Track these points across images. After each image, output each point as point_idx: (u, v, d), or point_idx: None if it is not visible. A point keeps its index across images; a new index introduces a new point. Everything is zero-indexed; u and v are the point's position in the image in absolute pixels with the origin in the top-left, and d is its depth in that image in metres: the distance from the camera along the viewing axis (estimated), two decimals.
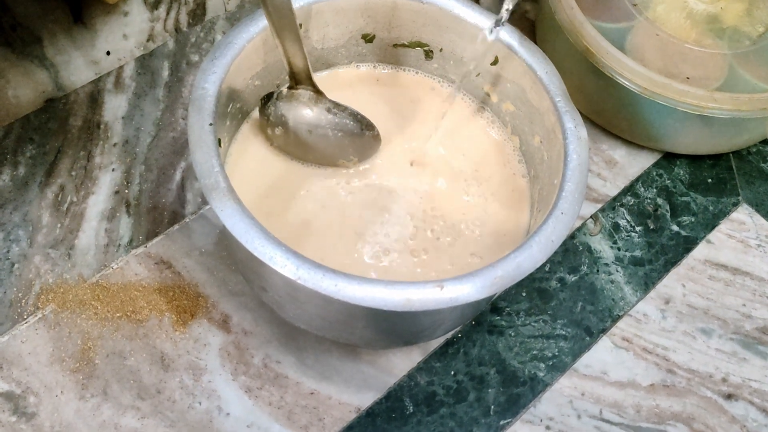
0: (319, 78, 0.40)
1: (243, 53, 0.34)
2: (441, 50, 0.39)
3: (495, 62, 0.38)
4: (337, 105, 0.37)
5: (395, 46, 0.40)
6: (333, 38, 0.39)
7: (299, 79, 0.36)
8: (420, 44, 0.39)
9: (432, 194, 0.37)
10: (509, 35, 0.37)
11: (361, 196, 0.37)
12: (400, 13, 0.38)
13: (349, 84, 0.40)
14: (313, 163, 0.38)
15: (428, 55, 0.40)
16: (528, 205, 0.37)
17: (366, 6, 0.37)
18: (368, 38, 0.39)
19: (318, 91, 0.37)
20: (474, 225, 0.36)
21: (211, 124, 0.31)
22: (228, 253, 0.41)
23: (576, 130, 0.34)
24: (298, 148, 0.37)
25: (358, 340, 0.36)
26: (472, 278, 0.29)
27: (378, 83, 0.41)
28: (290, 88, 0.37)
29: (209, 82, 0.32)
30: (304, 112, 0.37)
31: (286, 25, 0.33)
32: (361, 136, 0.37)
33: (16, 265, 0.40)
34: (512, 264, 0.30)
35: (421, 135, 0.39)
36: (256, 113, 0.38)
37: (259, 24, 0.35)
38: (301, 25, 0.37)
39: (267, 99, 0.37)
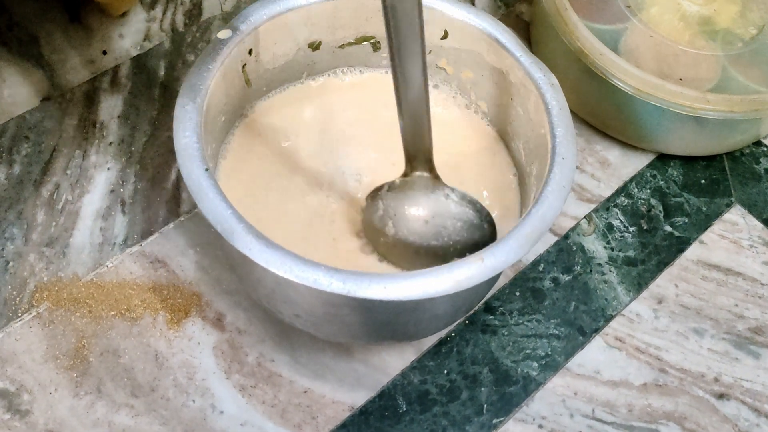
0: (273, 100, 0.39)
1: (210, 93, 0.33)
2: None
3: (445, 36, 0.38)
4: (453, 191, 0.34)
5: (342, 46, 0.40)
6: (282, 55, 0.38)
7: (416, 163, 0.33)
8: (366, 38, 0.39)
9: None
10: (455, 6, 0.37)
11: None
12: (341, 13, 0.38)
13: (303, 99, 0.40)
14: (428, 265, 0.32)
15: (375, 46, 0.40)
16: (508, 161, 0.38)
17: (308, 15, 0.37)
18: (314, 46, 0.39)
19: (436, 176, 0.34)
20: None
21: (206, 169, 0.31)
22: (230, 266, 0.41)
23: (546, 78, 0.35)
24: (406, 246, 0.34)
25: (367, 338, 0.36)
26: (505, 243, 0.30)
27: (326, 93, 0.41)
28: (404, 175, 0.34)
29: (189, 129, 0.32)
30: (421, 200, 0.34)
31: (417, 100, 0.30)
32: (479, 228, 0.34)
33: (10, 263, 0.40)
34: (536, 218, 0.31)
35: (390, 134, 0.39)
36: (228, 153, 0.37)
37: (217, 60, 0.34)
38: (251, 50, 0.36)
39: (376, 193, 0.34)
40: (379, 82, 0.41)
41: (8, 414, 0.36)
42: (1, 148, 0.44)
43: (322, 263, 0.29)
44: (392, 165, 0.36)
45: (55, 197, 0.43)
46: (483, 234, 0.34)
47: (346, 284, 0.29)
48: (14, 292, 0.40)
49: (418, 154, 0.33)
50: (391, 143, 0.36)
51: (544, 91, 0.35)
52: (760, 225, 0.46)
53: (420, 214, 0.34)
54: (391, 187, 0.34)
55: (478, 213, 0.34)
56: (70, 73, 0.47)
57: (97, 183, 0.43)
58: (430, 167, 0.33)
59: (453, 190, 0.34)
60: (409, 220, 0.34)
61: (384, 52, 0.40)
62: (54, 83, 0.47)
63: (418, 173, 0.34)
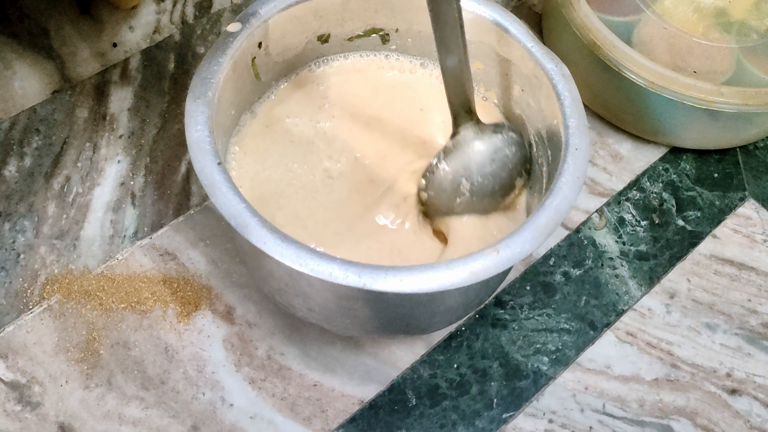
0: (280, 91, 0.39)
1: (220, 87, 0.33)
2: (397, 30, 0.39)
3: None
4: (496, 125, 0.37)
5: (351, 39, 0.39)
6: (291, 48, 0.38)
7: (461, 119, 0.36)
8: (375, 30, 0.39)
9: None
10: None
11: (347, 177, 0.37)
12: (351, 5, 0.38)
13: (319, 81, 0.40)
14: (501, 204, 0.37)
15: (384, 39, 0.40)
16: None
17: (317, 7, 0.37)
18: (323, 38, 0.39)
19: (478, 120, 0.36)
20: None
21: (219, 163, 0.31)
22: (241, 259, 0.41)
23: (558, 69, 0.35)
24: (483, 192, 0.36)
25: (381, 332, 0.36)
26: (520, 235, 0.30)
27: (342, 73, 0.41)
28: (453, 136, 0.36)
29: (201, 123, 0.31)
30: (479, 148, 0.36)
31: (458, 62, 0.33)
32: (522, 144, 0.37)
33: (21, 256, 0.40)
34: (550, 209, 0.31)
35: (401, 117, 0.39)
36: (238, 145, 0.37)
37: (227, 53, 0.34)
38: (261, 43, 0.36)
39: (434, 166, 0.36)
40: (377, 64, 0.41)
41: (19, 405, 0.37)
42: (12, 140, 0.44)
43: (337, 256, 0.29)
44: (401, 149, 0.38)
45: (65, 190, 0.43)
46: (525, 147, 0.37)
47: (362, 277, 0.28)
48: (25, 285, 0.40)
49: (463, 108, 0.35)
50: (395, 125, 0.38)
51: (555, 82, 0.34)
52: None
53: (485, 157, 0.36)
54: (446, 151, 0.36)
55: (515, 132, 0.37)
56: (80, 65, 0.47)
57: (108, 176, 0.43)
58: (472, 115, 0.36)
59: (495, 124, 0.37)
60: (480, 167, 0.36)
61: (393, 44, 0.40)
62: (64, 76, 0.47)
63: (463, 127, 0.36)
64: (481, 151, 0.36)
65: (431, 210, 0.37)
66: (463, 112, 0.35)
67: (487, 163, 0.36)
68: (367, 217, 0.36)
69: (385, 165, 0.38)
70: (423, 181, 0.36)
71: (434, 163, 0.36)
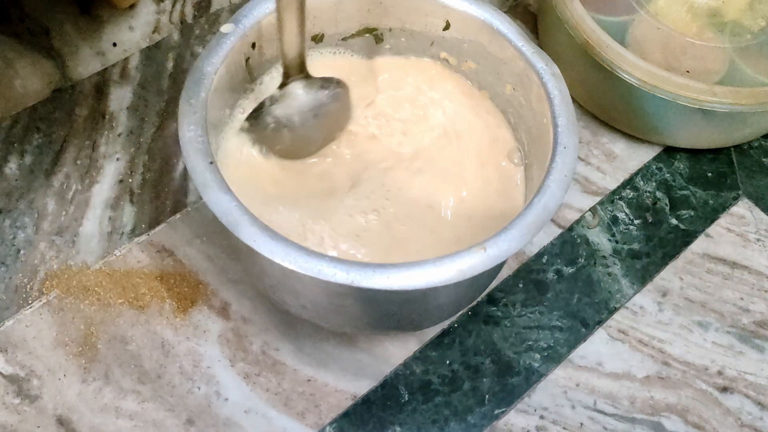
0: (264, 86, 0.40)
1: (213, 87, 0.34)
2: (390, 30, 0.40)
3: (447, 27, 0.38)
4: (324, 79, 0.37)
5: (344, 39, 0.40)
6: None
7: (292, 70, 0.36)
8: (368, 30, 0.40)
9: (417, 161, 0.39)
10: None
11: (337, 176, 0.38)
12: (344, 5, 0.38)
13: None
14: (320, 149, 0.38)
15: (378, 38, 0.40)
16: (514, 151, 0.39)
17: (310, 8, 0.37)
18: (317, 38, 0.39)
19: (308, 74, 0.37)
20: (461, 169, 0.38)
21: (211, 163, 0.31)
22: (237, 257, 0.42)
23: (548, 68, 0.35)
24: (304, 141, 0.37)
25: (372, 328, 0.37)
26: (507, 232, 0.30)
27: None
28: (281, 86, 0.36)
29: (194, 123, 0.32)
30: (304, 101, 0.37)
31: (292, 6, 0.33)
32: (345, 95, 0.38)
33: (21, 251, 0.41)
34: (538, 207, 0.31)
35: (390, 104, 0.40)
36: (230, 143, 0.38)
37: (220, 54, 0.34)
38: (254, 44, 0.36)
39: (257, 111, 0.36)
40: (352, 64, 0.41)
41: (18, 398, 0.37)
42: (13, 138, 0.45)
43: (326, 254, 0.29)
44: (373, 137, 0.39)
45: (65, 187, 0.43)
46: (347, 101, 0.39)
47: (350, 274, 0.29)
48: (25, 280, 0.40)
49: (294, 60, 0.36)
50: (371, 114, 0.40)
51: (545, 81, 0.35)
52: (767, 218, 0.46)
53: (309, 111, 0.37)
54: (272, 100, 0.37)
55: (340, 85, 0.38)
56: (80, 64, 0.48)
57: (107, 173, 0.44)
58: (303, 68, 0.37)
59: (323, 79, 0.37)
60: (303, 120, 0.37)
61: (387, 44, 0.41)
62: (65, 75, 0.47)
63: (293, 79, 0.37)
64: (306, 104, 0.37)
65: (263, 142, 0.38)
66: (294, 65, 0.36)
67: (310, 117, 0.37)
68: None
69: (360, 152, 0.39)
70: (246, 124, 0.37)
71: (259, 110, 0.37)
